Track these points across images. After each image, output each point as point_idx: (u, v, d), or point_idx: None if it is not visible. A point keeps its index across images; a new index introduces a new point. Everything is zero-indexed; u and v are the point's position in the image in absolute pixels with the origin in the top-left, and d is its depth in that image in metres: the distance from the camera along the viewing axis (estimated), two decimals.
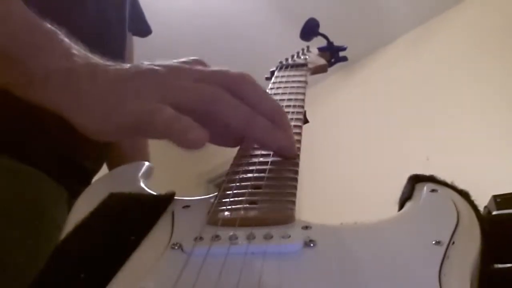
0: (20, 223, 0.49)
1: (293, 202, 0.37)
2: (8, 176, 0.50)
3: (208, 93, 0.38)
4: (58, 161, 0.55)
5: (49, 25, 0.42)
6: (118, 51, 0.66)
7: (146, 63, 0.41)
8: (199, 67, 0.41)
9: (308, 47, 0.84)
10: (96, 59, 0.41)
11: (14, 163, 0.51)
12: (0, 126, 0.51)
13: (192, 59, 0.43)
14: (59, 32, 0.42)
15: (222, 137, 0.45)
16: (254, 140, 0.43)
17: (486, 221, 0.35)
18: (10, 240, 0.47)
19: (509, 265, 0.34)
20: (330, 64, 0.85)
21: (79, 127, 0.39)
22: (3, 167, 0.50)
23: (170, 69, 0.40)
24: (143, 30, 0.82)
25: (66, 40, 0.42)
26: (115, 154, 0.72)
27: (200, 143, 0.36)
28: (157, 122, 0.36)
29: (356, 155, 2.74)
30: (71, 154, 0.57)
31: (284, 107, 0.52)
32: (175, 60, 0.42)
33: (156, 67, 0.40)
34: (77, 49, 0.42)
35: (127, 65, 0.41)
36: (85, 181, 0.59)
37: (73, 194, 0.53)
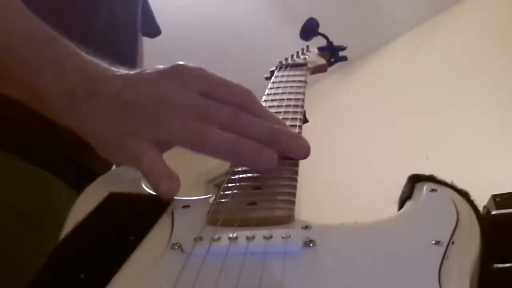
0: (32, 226, 0.48)
1: (293, 202, 0.37)
2: (19, 178, 0.50)
3: (194, 135, 0.39)
4: (69, 164, 0.55)
5: (50, 31, 0.43)
6: (130, 53, 0.67)
7: (145, 71, 0.42)
8: (193, 102, 0.40)
9: (307, 46, 0.84)
10: (92, 66, 0.42)
11: (25, 165, 0.50)
12: (12, 128, 0.51)
13: (194, 70, 0.42)
14: (60, 38, 0.43)
15: None
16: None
17: (486, 221, 0.35)
18: (22, 243, 0.47)
19: (509, 265, 0.34)
20: (330, 63, 0.85)
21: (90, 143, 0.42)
22: (15, 169, 0.50)
23: (161, 104, 0.40)
24: (153, 31, 0.82)
25: (66, 47, 0.43)
26: None
27: (170, 193, 0.38)
28: (143, 167, 0.39)
29: (356, 155, 2.74)
30: (82, 157, 0.57)
31: (283, 106, 0.52)
32: (174, 65, 0.42)
33: (147, 101, 0.40)
34: (78, 56, 0.43)
35: (121, 77, 0.42)
36: None
37: None
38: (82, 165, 0.57)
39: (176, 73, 0.42)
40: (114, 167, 0.70)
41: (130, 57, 0.66)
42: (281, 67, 0.72)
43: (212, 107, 0.41)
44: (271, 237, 0.32)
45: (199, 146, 0.40)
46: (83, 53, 0.43)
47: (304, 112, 0.54)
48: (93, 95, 0.41)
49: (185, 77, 0.42)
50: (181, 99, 0.40)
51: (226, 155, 0.40)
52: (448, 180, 0.39)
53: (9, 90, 0.44)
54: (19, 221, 0.47)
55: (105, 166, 0.63)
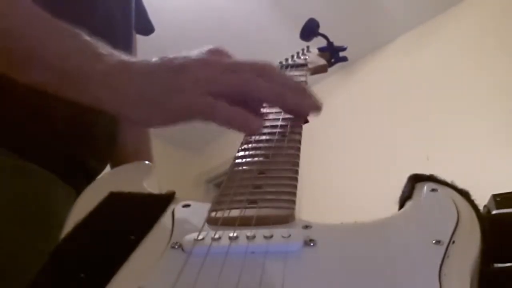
0: (29, 224, 0.48)
1: (293, 202, 0.37)
2: (16, 176, 0.50)
3: (243, 80, 0.42)
4: (65, 161, 0.55)
5: (70, 27, 0.43)
6: (125, 50, 0.67)
7: (171, 57, 0.43)
8: (226, 59, 0.43)
9: (308, 47, 0.84)
10: (122, 55, 0.43)
11: (23, 163, 0.50)
12: (9, 126, 0.51)
13: (215, 48, 0.45)
14: (82, 32, 0.43)
15: None
16: (288, 110, 0.48)
17: (486, 221, 0.35)
18: (19, 241, 0.47)
19: (509, 264, 0.34)
20: (330, 64, 0.85)
21: (124, 118, 0.42)
22: (12, 167, 0.50)
23: (200, 61, 0.42)
24: (147, 28, 0.82)
25: (90, 40, 0.43)
26: (118, 153, 0.72)
27: (260, 130, 0.42)
28: (219, 117, 0.40)
29: (356, 155, 2.74)
30: (78, 154, 0.57)
31: None
32: (196, 51, 0.44)
33: (186, 62, 0.42)
34: (103, 48, 0.43)
35: (153, 59, 0.43)
36: (92, 181, 0.59)
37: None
38: (78, 161, 0.57)
39: (207, 51, 0.44)
40: (121, 166, 0.70)
41: (125, 53, 0.66)
42: (281, 67, 0.72)
43: (251, 64, 0.43)
44: (271, 236, 0.32)
45: (254, 90, 0.42)
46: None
47: None
48: (129, 73, 0.41)
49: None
50: (221, 61, 0.43)
51: (275, 98, 0.44)
52: (448, 180, 0.39)
53: (32, 75, 0.43)
54: (16, 219, 0.47)
55: (102, 162, 0.63)
